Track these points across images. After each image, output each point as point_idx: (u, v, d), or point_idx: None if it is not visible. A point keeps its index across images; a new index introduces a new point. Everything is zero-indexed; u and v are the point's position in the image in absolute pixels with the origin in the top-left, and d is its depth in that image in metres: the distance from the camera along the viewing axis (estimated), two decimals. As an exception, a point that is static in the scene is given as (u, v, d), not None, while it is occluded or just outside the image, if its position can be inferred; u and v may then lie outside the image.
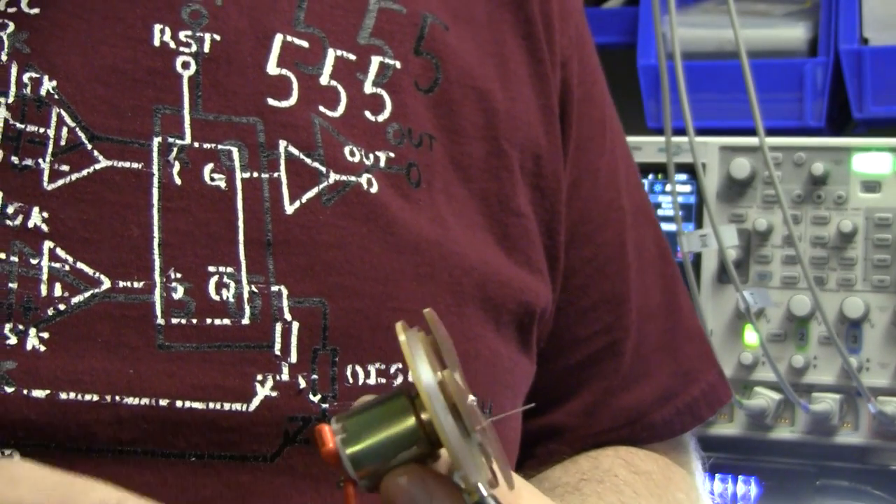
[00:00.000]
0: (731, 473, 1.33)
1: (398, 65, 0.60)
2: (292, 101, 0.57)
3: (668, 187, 1.27)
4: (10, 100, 0.52)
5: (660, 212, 1.31)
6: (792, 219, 1.23)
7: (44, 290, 0.51)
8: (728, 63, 1.28)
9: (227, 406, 0.52)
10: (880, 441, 1.26)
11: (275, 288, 0.54)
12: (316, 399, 0.54)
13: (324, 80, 0.58)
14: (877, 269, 1.24)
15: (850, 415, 1.26)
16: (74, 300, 0.51)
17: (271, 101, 0.56)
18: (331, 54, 0.58)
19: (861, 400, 1.24)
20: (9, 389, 0.50)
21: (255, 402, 0.53)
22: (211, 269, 0.53)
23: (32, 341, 0.50)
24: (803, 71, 1.31)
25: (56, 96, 0.53)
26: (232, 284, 0.54)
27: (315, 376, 0.54)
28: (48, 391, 0.50)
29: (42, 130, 0.52)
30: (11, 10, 0.53)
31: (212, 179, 0.54)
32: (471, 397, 0.43)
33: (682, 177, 1.31)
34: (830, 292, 1.25)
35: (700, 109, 1.27)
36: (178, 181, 0.54)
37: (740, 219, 1.29)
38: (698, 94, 1.28)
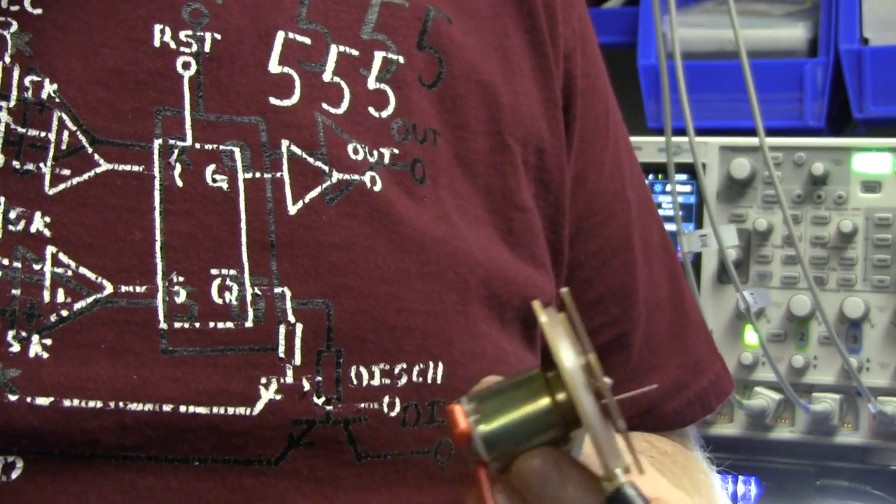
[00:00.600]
0: (731, 473, 1.33)
1: (401, 60, 0.60)
2: (294, 99, 0.56)
3: (668, 187, 1.26)
4: (12, 104, 0.52)
5: (660, 212, 1.31)
6: (792, 219, 1.23)
7: (46, 296, 0.50)
8: (728, 63, 1.28)
9: (230, 410, 0.52)
10: (880, 441, 1.25)
11: (278, 290, 0.54)
12: (320, 402, 0.54)
13: (327, 76, 0.57)
14: (877, 269, 1.24)
15: (850, 415, 1.26)
16: (77, 306, 0.51)
17: (273, 100, 0.56)
18: (333, 50, 0.58)
19: (861, 400, 1.24)
20: (12, 397, 0.49)
21: (259, 406, 0.53)
22: (213, 271, 0.53)
23: (35, 348, 0.50)
24: (803, 71, 1.30)
25: (57, 100, 0.52)
26: (235, 287, 0.53)
27: (319, 378, 0.54)
28: (52, 398, 0.50)
29: (43, 134, 0.52)
30: (14, 7, 0.53)
31: (214, 181, 0.54)
32: (607, 380, 0.42)
33: (682, 177, 1.31)
34: (830, 292, 1.25)
35: (700, 109, 1.27)
36: (179, 183, 0.53)
37: (740, 219, 1.28)
38: (698, 94, 1.28)
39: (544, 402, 0.42)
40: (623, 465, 0.41)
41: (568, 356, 0.40)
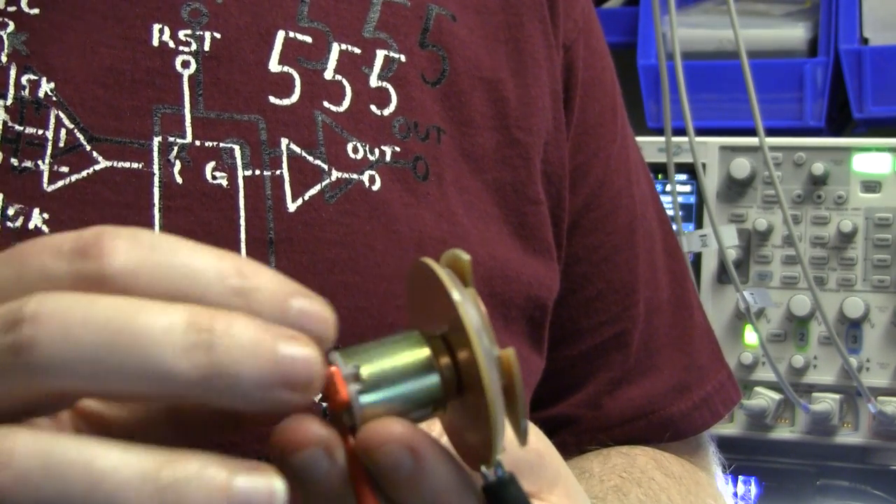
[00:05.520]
0: (731, 473, 1.33)
1: (403, 58, 0.60)
2: (294, 98, 0.56)
3: (668, 187, 1.26)
4: (9, 102, 0.52)
5: (659, 212, 1.31)
6: (792, 219, 1.23)
7: None
8: (728, 63, 1.28)
9: None
10: (880, 441, 1.25)
11: None
12: (317, 398, 0.54)
13: (328, 74, 0.58)
14: (877, 269, 1.24)
15: (850, 415, 1.26)
16: None
17: (273, 99, 0.56)
18: (335, 48, 0.58)
19: (861, 400, 1.24)
20: None
21: None
22: None
23: None
24: (803, 71, 1.30)
25: (54, 98, 0.52)
26: None
27: None
28: None
29: (41, 132, 0.52)
30: (11, 8, 0.53)
31: (213, 178, 0.54)
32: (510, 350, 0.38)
33: (682, 177, 1.31)
34: (830, 292, 1.25)
35: (700, 109, 1.27)
36: (179, 180, 0.53)
37: (740, 219, 1.28)
38: (698, 94, 1.28)
39: (433, 376, 0.37)
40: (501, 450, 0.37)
41: (472, 313, 0.36)
